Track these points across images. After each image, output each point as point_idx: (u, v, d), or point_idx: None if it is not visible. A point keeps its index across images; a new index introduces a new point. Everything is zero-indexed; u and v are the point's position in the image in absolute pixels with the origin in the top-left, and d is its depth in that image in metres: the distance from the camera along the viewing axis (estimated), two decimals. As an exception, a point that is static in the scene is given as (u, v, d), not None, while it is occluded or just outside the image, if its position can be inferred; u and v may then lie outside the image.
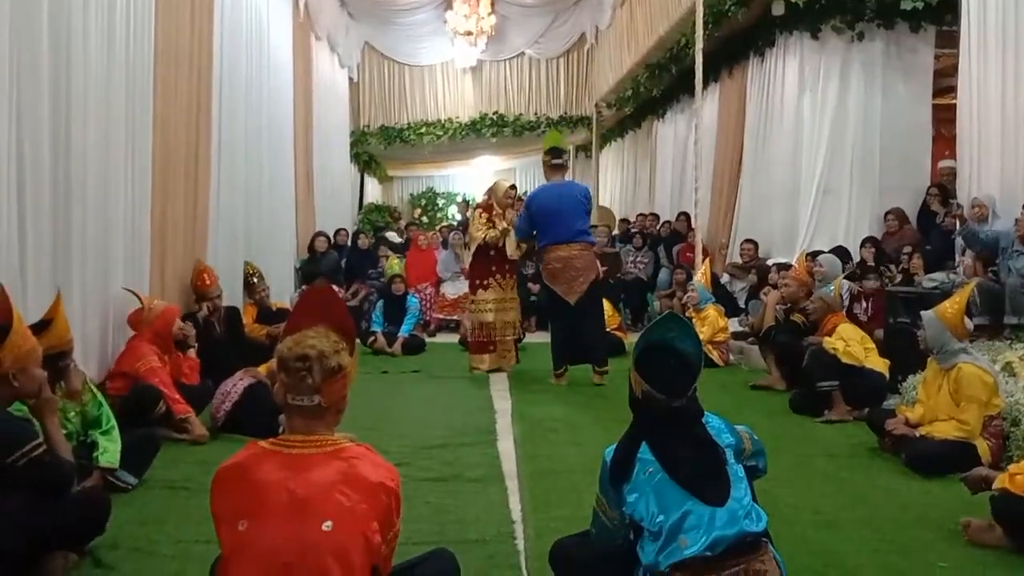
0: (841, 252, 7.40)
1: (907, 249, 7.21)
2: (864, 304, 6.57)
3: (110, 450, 3.62)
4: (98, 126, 4.88)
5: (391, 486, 2.03)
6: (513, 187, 7.28)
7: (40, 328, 3.37)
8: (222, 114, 7.08)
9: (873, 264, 7.12)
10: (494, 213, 7.04)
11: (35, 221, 4.21)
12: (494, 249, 6.99)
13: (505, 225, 6.95)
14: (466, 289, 7.79)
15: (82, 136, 4.68)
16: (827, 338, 5.54)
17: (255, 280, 7.46)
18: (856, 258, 7.42)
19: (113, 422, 3.72)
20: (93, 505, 3.02)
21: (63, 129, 4.50)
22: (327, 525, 1.92)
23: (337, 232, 10.84)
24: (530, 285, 10.12)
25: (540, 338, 9.39)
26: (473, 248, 7.08)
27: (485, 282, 7.03)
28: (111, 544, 3.09)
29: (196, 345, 5.44)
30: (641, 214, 12.41)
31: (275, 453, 2.03)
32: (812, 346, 5.62)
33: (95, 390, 3.79)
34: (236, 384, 4.96)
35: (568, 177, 7.76)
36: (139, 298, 5.07)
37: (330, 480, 1.97)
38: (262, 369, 5.10)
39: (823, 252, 7.15)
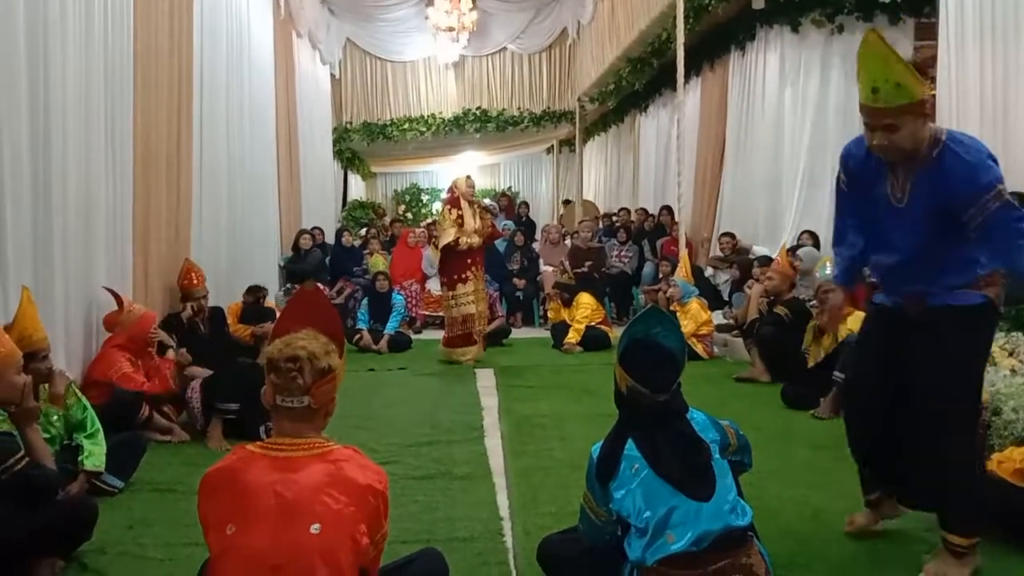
0: (815, 240, 7.52)
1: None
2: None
3: (95, 454, 3.59)
4: (77, 125, 4.83)
5: (379, 488, 2.04)
6: (469, 176, 7.60)
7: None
8: (203, 112, 7.03)
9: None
10: (463, 208, 7.20)
11: (15, 222, 4.16)
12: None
13: (478, 224, 7.20)
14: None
15: (61, 135, 4.63)
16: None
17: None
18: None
19: (98, 425, 3.68)
20: (80, 511, 3.00)
21: (42, 128, 4.44)
22: (315, 528, 1.92)
23: (313, 229, 10.68)
24: (515, 281, 10.11)
25: (525, 333, 9.43)
26: (443, 244, 7.21)
27: (464, 275, 7.25)
28: (98, 548, 3.08)
29: (173, 346, 5.38)
30: (624, 208, 12.43)
31: (263, 456, 2.04)
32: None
33: (79, 394, 3.74)
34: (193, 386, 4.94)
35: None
36: (118, 301, 4.98)
37: (318, 483, 1.97)
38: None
39: (804, 246, 7.25)
